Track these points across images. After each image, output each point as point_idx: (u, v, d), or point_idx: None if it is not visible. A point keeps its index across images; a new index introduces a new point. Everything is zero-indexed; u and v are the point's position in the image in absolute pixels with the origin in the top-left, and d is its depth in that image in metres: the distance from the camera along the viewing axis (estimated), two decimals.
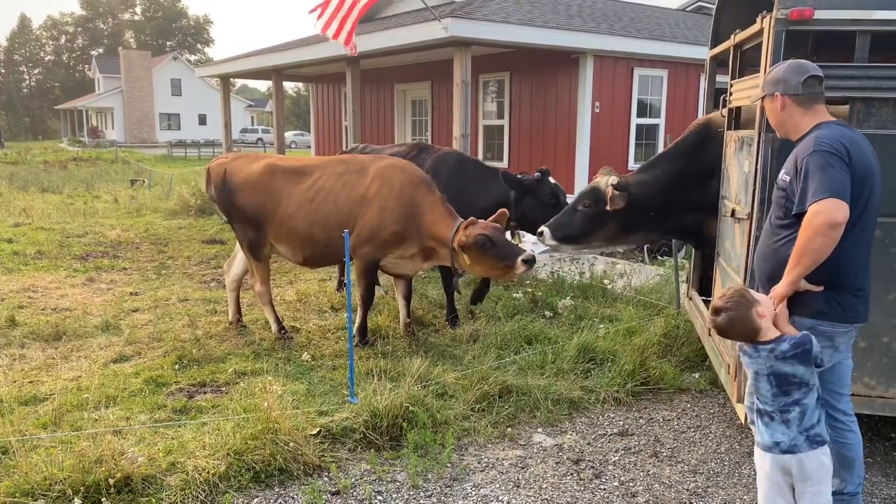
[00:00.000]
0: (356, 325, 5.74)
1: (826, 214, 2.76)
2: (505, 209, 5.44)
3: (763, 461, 2.88)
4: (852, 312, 3.01)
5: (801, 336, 2.84)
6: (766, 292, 3.10)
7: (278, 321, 6.02)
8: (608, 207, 4.90)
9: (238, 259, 6.28)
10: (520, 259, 4.95)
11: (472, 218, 5.21)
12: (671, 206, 5.05)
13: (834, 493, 3.31)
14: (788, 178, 3.01)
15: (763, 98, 3.19)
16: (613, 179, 4.94)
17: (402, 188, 5.47)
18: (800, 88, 3.02)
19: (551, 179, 6.56)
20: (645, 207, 4.97)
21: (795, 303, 2.98)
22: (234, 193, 5.86)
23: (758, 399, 2.85)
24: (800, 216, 2.90)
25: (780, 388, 2.79)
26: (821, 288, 2.94)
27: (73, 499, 3.26)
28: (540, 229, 5.11)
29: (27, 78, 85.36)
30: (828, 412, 3.19)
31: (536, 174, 6.54)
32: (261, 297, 6.05)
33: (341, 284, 7.44)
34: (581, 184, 10.42)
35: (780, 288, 2.94)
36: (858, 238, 2.95)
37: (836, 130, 2.95)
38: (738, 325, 2.83)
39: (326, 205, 5.59)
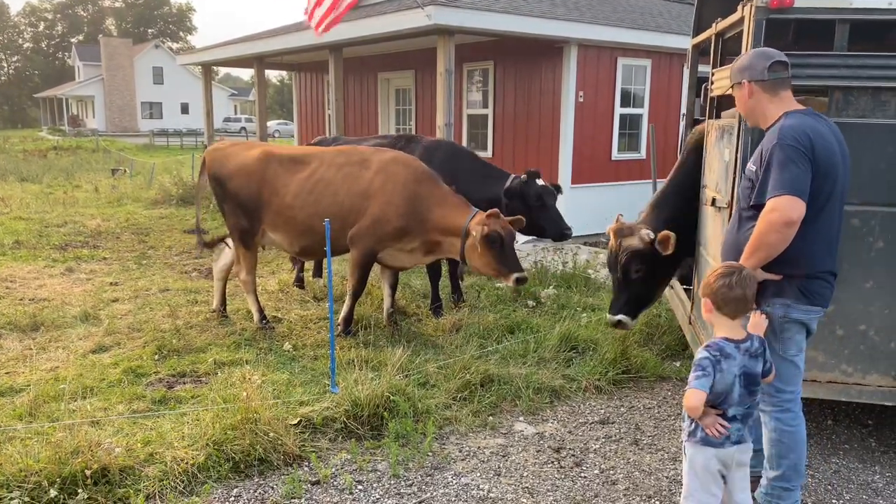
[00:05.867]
0: (342, 314, 5.72)
1: (781, 212, 2.78)
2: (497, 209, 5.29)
3: (705, 456, 2.81)
4: (820, 297, 3.01)
5: (760, 335, 2.87)
6: None
7: (260, 311, 5.98)
8: (668, 252, 4.36)
9: (227, 249, 6.23)
10: (514, 275, 5.16)
11: (495, 209, 5.26)
12: (690, 225, 4.87)
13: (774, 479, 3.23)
14: (754, 167, 2.99)
15: (732, 87, 3.17)
16: (650, 233, 4.48)
17: (406, 184, 5.45)
18: (766, 74, 3.01)
19: (539, 181, 6.36)
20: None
21: (763, 293, 2.98)
22: (227, 180, 5.81)
23: (726, 406, 2.78)
24: (758, 207, 2.90)
25: (747, 389, 2.79)
26: (780, 277, 2.94)
27: (49, 490, 3.22)
28: (616, 319, 4.57)
29: (5, 66, 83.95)
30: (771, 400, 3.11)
31: (523, 176, 6.34)
32: (245, 286, 6.01)
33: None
34: (565, 174, 10.41)
35: None
36: (821, 228, 2.93)
37: (802, 121, 2.92)
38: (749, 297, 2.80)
39: (326, 196, 5.55)
